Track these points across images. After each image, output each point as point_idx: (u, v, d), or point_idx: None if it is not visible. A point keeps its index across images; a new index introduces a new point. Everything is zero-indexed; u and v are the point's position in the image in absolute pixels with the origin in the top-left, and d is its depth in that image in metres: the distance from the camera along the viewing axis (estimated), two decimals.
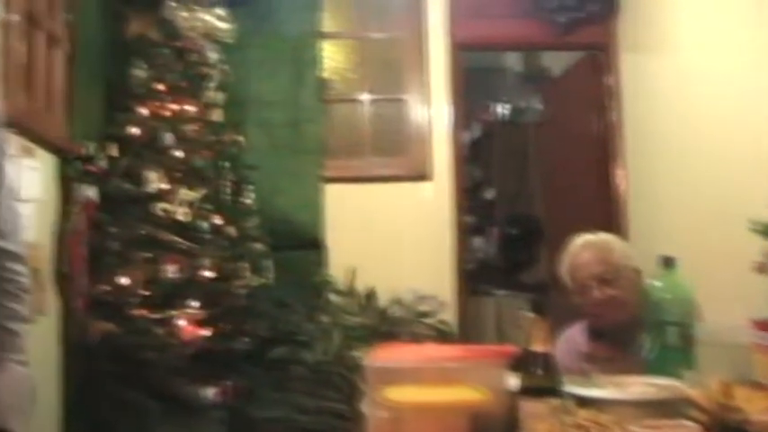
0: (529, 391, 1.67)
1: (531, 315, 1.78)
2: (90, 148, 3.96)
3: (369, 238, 5.15)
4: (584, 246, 2.82)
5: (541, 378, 1.71)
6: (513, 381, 1.68)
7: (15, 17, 3.30)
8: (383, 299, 4.93)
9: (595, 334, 2.77)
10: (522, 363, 1.71)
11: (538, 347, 1.75)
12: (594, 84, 5.79)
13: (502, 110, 7.75)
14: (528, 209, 7.48)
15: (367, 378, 1.63)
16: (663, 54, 5.52)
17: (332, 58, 5.45)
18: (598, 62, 5.77)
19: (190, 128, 4.33)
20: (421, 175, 5.32)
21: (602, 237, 2.90)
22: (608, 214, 5.59)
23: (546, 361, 1.74)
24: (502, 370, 1.66)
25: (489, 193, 7.80)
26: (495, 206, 7.76)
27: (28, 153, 3.34)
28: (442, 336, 4.94)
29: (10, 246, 1.46)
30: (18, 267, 1.50)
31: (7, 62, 3.19)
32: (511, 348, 1.70)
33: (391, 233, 5.22)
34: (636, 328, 2.39)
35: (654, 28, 5.56)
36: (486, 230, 7.77)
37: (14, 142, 2.90)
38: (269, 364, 4.42)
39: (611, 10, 5.55)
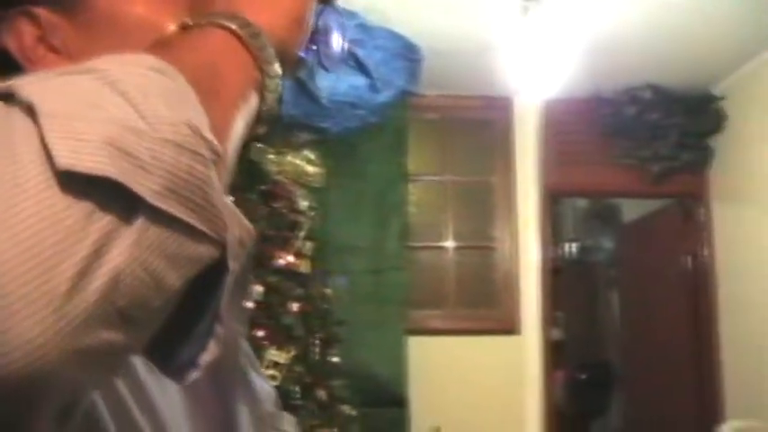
0: None
1: None
2: None
3: (454, 394, 4.82)
4: None
5: None
6: None
7: None
8: None
9: None
10: None
11: None
12: (683, 229, 5.56)
13: (569, 248, 7.46)
14: (599, 353, 7.12)
15: None
16: (757, 204, 5.24)
17: (417, 202, 5.19)
18: (686, 208, 5.54)
19: (276, 280, 4.06)
20: (509, 329, 5.02)
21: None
22: (697, 365, 5.31)
23: None
24: None
25: (555, 334, 7.45)
26: (563, 348, 7.40)
27: None
28: None
29: None
30: None
31: None
32: None
33: (477, 389, 4.88)
34: None
35: (748, 178, 5.27)
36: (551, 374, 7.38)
37: None
38: None
39: (706, 159, 5.32)
